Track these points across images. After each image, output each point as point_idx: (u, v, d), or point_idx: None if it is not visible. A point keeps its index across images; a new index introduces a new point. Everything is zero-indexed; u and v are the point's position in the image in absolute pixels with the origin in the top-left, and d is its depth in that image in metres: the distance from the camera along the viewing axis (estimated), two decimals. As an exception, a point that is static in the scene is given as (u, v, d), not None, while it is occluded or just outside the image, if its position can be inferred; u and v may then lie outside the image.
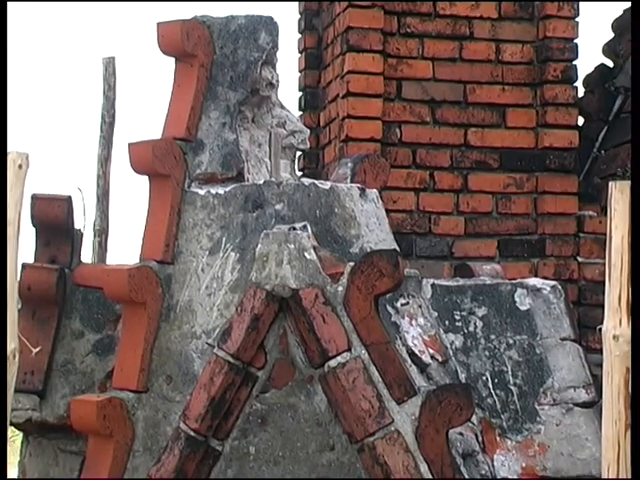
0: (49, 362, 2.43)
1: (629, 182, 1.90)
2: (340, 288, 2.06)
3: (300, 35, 3.83)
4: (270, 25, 2.22)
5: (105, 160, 3.46)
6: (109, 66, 3.56)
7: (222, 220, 2.19)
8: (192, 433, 2.05)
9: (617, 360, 1.80)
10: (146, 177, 2.23)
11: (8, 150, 1.92)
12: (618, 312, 1.81)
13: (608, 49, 3.85)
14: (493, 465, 2.17)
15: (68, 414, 2.25)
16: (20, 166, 1.86)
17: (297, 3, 3.96)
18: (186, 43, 2.18)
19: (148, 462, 2.13)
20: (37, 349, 2.34)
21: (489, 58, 3.53)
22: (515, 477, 2.17)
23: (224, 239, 2.17)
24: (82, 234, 2.43)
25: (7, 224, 1.86)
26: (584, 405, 2.22)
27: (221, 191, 2.17)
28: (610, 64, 3.78)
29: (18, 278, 2.09)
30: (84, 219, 2.78)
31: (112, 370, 2.28)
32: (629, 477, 1.80)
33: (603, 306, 1.85)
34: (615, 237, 1.84)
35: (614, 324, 1.79)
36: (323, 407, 2.07)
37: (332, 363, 2.03)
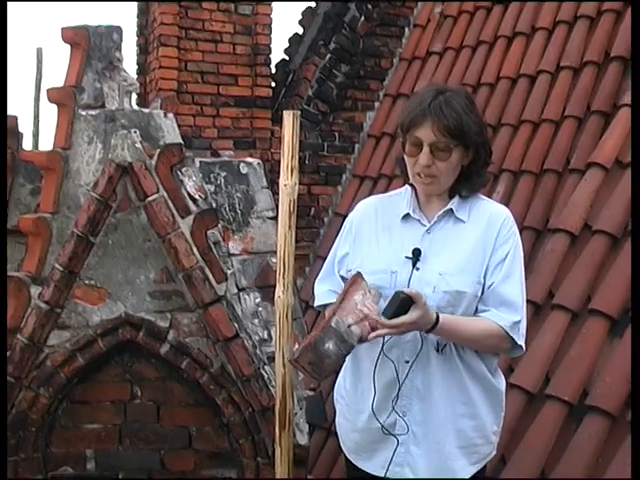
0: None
1: (298, 112, 2.49)
2: (153, 162, 2.92)
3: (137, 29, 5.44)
4: (119, 30, 3.10)
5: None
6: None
7: (94, 127, 2.97)
8: (79, 233, 2.89)
9: (285, 196, 2.46)
10: (56, 106, 3.03)
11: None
12: (286, 172, 2.48)
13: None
14: (228, 247, 3.10)
15: (19, 225, 3.03)
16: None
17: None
18: (75, 38, 3.02)
19: (58, 249, 2.93)
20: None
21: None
22: (239, 253, 3.09)
23: (95, 137, 2.97)
24: (23, 134, 3.42)
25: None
26: (271, 218, 3.17)
27: (93, 113, 2.99)
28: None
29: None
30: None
31: (39, 203, 3.07)
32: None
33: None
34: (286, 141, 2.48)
35: (284, 179, 2.47)
36: (145, 220, 2.93)
37: (149, 199, 2.91)
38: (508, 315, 2.26)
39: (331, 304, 2.32)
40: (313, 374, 2.18)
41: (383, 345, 2.28)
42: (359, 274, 2.22)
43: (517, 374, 3.54)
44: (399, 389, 2.26)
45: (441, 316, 2.18)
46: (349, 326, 2.15)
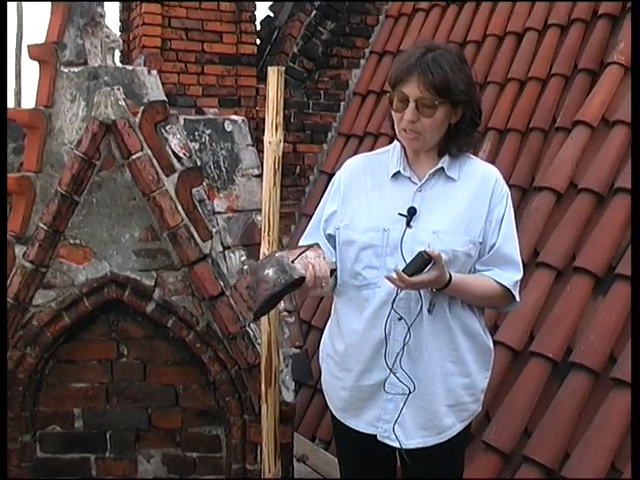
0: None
1: (283, 68, 2.55)
2: (137, 119, 2.87)
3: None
4: (102, -12, 2.98)
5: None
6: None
7: (77, 85, 2.93)
8: (63, 192, 2.87)
9: (270, 153, 2.55)
10: (37, 63, 2.98)
11: None
12: (271, 129, 2.54)
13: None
14: (213, 205, 3.06)
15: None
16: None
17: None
18: (57, -4, 2.92)
19: (42, 208, 2.90)
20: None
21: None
22: (224, 211, 3.03)
23: (78, 94, 2.93)
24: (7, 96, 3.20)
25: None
26: (256, 176, 3.14)
27: (76, 70, 2.94)
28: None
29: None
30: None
31: (22, 162, 3.01)
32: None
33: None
34: (271, 97, 2.53)
35: (269, 136, 2.55)
36: (130, 178, 2.89)
37: (133, 157, 2.87)
38: (511, 274, 2.31)
39: None
40: (247, 303, 2.18)
41: (393, 304, 2.27)
42: (318, 245, 2.28)
43: (502, 331, 3.57)
44: (389, 346, 2.27)
45: (454, 276, 2.21)
46: (292, 261, 2.17)
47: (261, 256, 2.60)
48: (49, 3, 2.97)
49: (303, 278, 2.14)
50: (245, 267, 2.32)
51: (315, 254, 2.24)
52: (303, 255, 2.20)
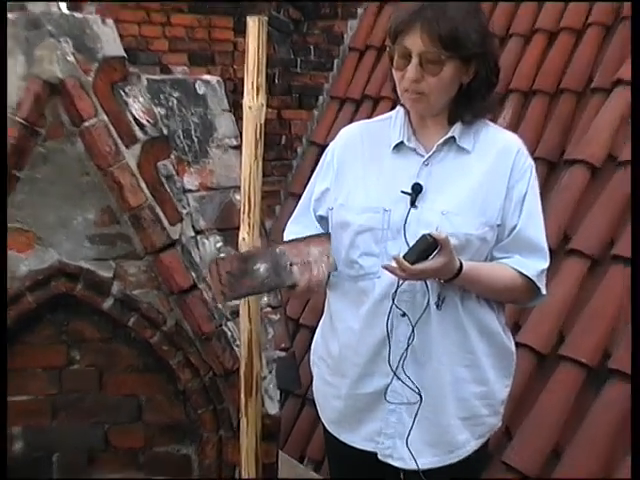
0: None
1: (265, 18, 2.55)
2: (90, 79, 2.87)
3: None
4: None
5: None
6: None
7: (13, 35, 2.86)
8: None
9: (251, 120, 2.58)
10: None
11: None
12: (251, 92, 2.56)
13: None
14: (183, 182, 3.08)
15: None
16: None
17: None
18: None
19: None
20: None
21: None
22: (196, 189, 3.06)
23: (16, 48, 2.86)
24: None
25: None
26: (234, 147, 3.17)
27: (12, 16, 2.86)
28: None
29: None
30: None
31: None
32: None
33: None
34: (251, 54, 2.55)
35: (249, 100, 2.57)
36: (82, 150, 2.88)
37: (86, 124, 2.85)
38: (535, 262, 2.33)
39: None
40: (223, 288, 2.18)
41: (394, 297, 2.29)
42: (329, 236, 2.34)
43: (525, 331, 3.60)
44: (391, 348, 2.30)
45: (465, 264, 2.22)
46: (292, 264, 2.19)
47: (240, 242, 2.61)
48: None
49: (295, 285, 2.20)
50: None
51: (320, 250, 2.29)
52: (306, 255, 2.24)
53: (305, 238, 2.32)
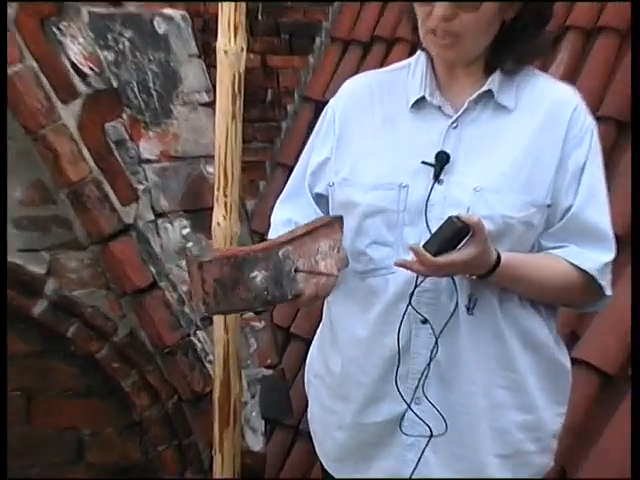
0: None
1: None
2: (12, 10, 2.89)
3: None
4: None
5: None
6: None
7: None
8: None
9: (226, 68, 2.59)
10: None
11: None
12: (227, 32, 2.60)
13: None
14: (139, 149, 3.10)
15: None
16: None
17: None
18: None
19: None
20: None
21: None
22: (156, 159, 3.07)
23: None
24: None
25: None
26: (205, 104, 3.16)
27: None
28: None
29: None
30: None
31: None
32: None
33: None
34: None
35: (224, 43, 2.60)
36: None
37: (9, 71, 2.88)
38: (596, 253, 2.30)
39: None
40: (207, 298, 2.14)
41: (412, 298, 2.27)
42: (341, 219, 2.27)
43: (584, 343, 3.59)
44: (408, 364, 2.29)
45: (503, 255, 2.20)
46: (296, 270, 2.18)
47: (214, 228, 2.63)
48: None
49: (299, 295, 2.18)
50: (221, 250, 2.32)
51: (330, 244, 2.24)
52: (314, 254, 2.20)
53: (311, 226, 2.23)
